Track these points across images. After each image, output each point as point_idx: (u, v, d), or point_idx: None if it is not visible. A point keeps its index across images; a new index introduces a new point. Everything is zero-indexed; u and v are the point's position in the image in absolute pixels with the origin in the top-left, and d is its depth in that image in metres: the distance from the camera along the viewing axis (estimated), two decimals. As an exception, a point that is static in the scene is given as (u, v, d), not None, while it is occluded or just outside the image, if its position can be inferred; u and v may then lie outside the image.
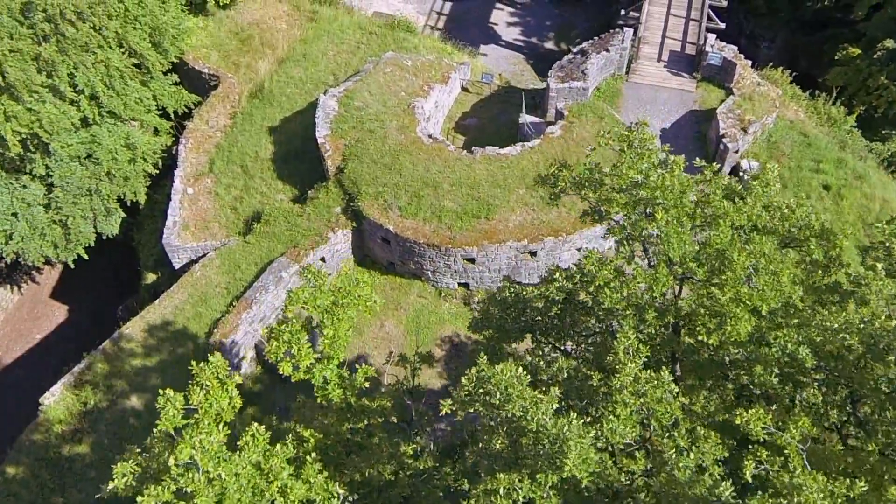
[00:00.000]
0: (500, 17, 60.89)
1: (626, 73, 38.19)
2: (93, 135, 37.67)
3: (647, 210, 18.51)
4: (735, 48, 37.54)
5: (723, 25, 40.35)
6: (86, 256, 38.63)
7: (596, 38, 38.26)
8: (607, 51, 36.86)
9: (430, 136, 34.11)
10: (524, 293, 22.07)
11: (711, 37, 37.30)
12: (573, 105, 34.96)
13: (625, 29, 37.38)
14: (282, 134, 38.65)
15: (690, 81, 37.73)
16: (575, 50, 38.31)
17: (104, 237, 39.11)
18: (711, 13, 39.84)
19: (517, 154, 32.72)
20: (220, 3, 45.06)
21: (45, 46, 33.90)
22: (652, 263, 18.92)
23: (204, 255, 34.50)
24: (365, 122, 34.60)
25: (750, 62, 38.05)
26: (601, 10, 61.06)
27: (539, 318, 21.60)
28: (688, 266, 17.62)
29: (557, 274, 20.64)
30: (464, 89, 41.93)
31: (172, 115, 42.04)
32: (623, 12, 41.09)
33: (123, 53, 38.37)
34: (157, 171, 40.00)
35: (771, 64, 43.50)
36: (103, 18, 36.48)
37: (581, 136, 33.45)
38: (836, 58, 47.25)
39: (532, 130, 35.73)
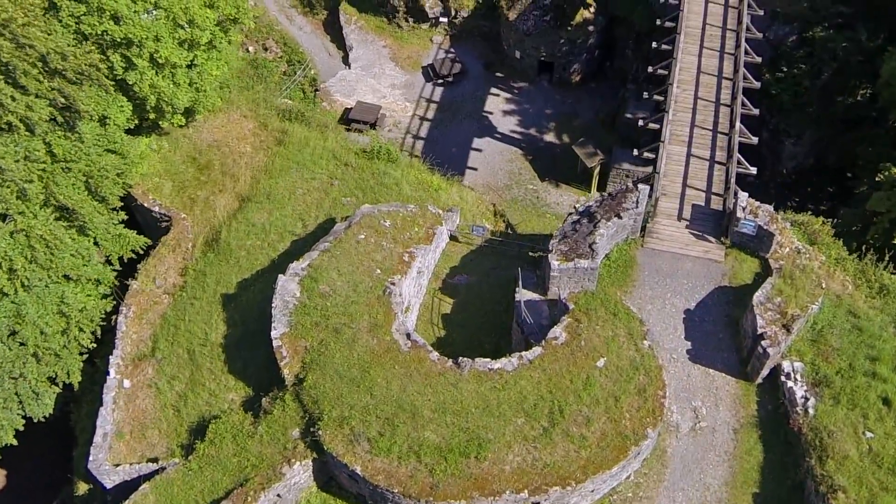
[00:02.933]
0: (496, 105, 54.55)
1: (642, 234, 31.87)
2: (17, 307, 31.50)
3: None
4: (771, 209, 31.20)
5: (753, 140, 34.14)
6: (14, 442, 32.58)
7: (605, 196, 31.87)
8: (619, 217, 30.52)
9: (408, 338, 27.82)
10: None
11: (743, 196, 30.97)
12: (580, 296, 28.62)
13: (639, 188, 31.02)
14: (237, 308, 32.38)
15: (718, 248, 31.41)
16: (580, 208, 31.95)
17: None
18: (743, 130, 33.66)
19: (513, 370, 26.41)
20: (176, 122, 38.70)
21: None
22: None
23: (138, 477, 28.36)
24: (331, 317, 28.28)
25: (773, 210, 31.77)
26: (607, 96, 54.71)
27: None
28: None
29: None
30: (452, 238, 35.64)
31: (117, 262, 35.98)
32: (636, 152, 34.71)
33: (51, 212, 32.25)
34: (95, 345, 33.77)
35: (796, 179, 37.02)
36: (23, 181, 30.32)
37: (590, 341, 27.13)
38: (878, 178, 40.86)
39: (530, 323, 29.41)
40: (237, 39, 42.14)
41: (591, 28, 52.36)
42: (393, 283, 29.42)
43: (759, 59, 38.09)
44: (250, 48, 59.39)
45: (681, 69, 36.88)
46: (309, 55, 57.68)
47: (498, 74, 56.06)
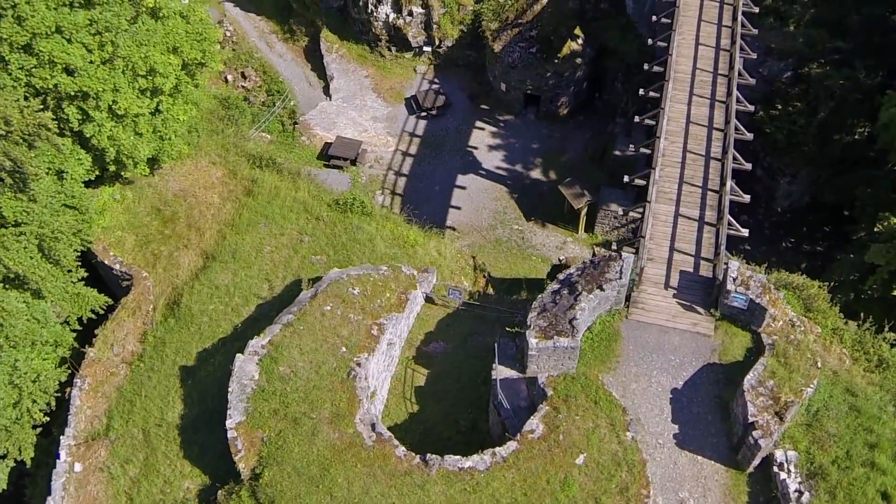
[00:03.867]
0: (481, 139, 52.41)
1: (627, 304, 29.76)
2: (-38, 380, 29.43)
3: None
4: (763, 279, 29.08)
5: (746, 199, 32.12)
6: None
7: (587, 264, 29.73)
8: (601, 289, 28.39)
9: (372, 429, 25.73)
10: None
11: (734, 266, 28.89)
12: (559, 381, 26.55)
13: (623, 256, 28.92)
14: (195, 384, 30.24)
15: (707, 321, 29.29)
16: (561, 277, 29.81)
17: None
18: (735, 188, 31.58)
19: (486, 469, 24.30)
20: (140, 172, 36.51)
21: None
22: None
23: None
24: (290, 405, 26.18)
25: (769, 282, 29.70)
26: (595, 129, 52.60)
27: None
28: None
29: None
30: (428, 300, 33.53)
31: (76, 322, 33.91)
32: (622, 211, 32.63)
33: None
34: (48, 419, 31.67)
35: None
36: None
37: (569, 435, 25.04)
38: (876, 230, 38.82)
39: (506, 408, 27.29)
40: (205, 82, 39.94)
41: (578, 60, 50.22)
42: (359, 364, 27.31)
43: (751, 108, 35.99)
44: (229, 77, 57.30)
45: (669, 119, 34.76)
46: (289, 85, 55.57)
47: (483, 107, 53.91)
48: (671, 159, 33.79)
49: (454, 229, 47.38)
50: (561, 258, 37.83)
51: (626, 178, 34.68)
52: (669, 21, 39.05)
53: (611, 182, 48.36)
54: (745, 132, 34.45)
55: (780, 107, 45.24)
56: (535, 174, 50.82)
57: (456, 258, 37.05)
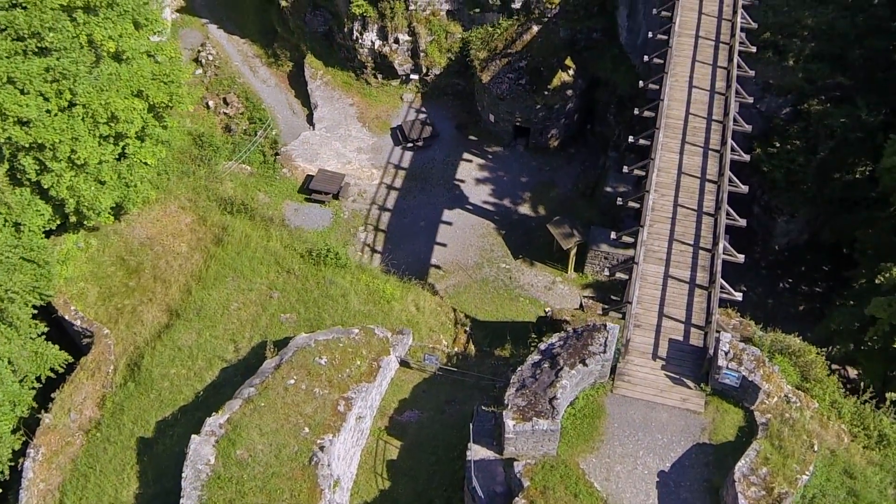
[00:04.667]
0: (468, 172, 50.42)
1: (612, 377, 27.77)
2: None
3: None
4: (757, 352, 27.07)
5: (740, 259, 30.17)
6: None
7: (569, 334, 27.73)
8: (584, 364, 26.41)
9: (335, 523, 23.85)
10: None
11: (725, 339, 26.89)
12: (537, 469, 24.58)
13: (608, 328, 26.93)
14: (152, 459, 28.32)
15: (697, 396, 27.26)
16: (543, 347, 27.83)
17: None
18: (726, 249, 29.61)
19: (453, 574, 22.42)
20: (104, 221, 34.60)
21: None
22: None
23: None
24: (247, 494, 24.23)
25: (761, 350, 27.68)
26: (587, 162, 50.60)
27: None
28: None
29: None
30: (403, 363, 31.58)
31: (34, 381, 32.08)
32: (608, 271, 30.69)
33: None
34: (1, 490, 29.82)
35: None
36: None
37: (545, 532, 23.11)
38: (877, 281, 36.77)
39: (481, 497, 25.30)
40: (175, 124, 37.86)
41: (569, 92, 48.17)
42: (322, 448, 25.36)
43: (747, 158, 34.00)
44: (210, 103, 55.38)
45: (659, 171, 32.74)
46: (271, 112, 53.60)
47: (471, 137, 51.88)
48: (661, 214, 31.76)
49: (439, 268, 45.42)
50: (547, 310, 35.81)
51: (612, 235, 32.66)
52: (662, 62, 37.05)
53: (602, 220, 46.50)
54: (740, 185, 32.46)
55: (778, 144, 43.18)
56: (524, 209, 48.82)
57: (435, 312, 35.07)
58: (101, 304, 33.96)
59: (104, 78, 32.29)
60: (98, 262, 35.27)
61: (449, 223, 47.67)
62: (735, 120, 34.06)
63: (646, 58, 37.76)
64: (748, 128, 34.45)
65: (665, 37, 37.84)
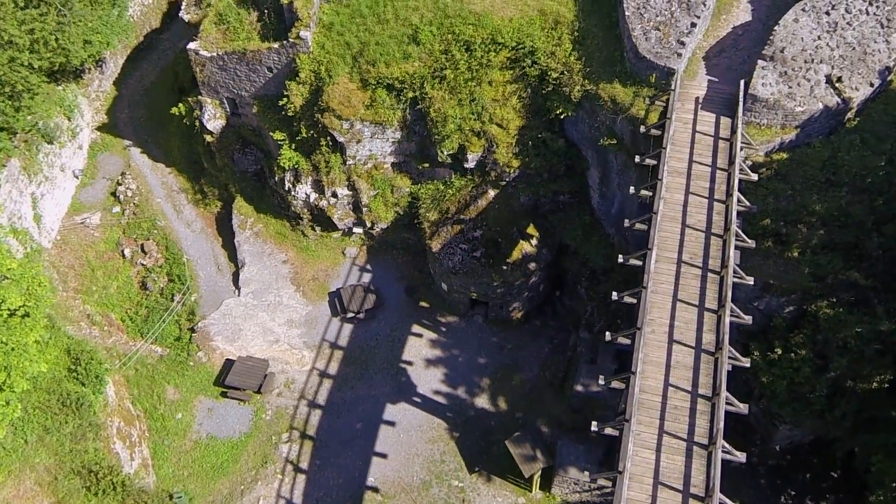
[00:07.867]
0: (418, 351, 42.31)
1: None
2: None
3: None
4: None
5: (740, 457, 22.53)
6: None
7: None
8: None
9: None
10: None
11: None
12: None
13: None
14: None
15: None
16: None
17: None
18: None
19: None
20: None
21: None
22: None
23: None
24: None
25: None
26: (556, 339, 42.64)
27: None
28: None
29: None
30: None
31: None
32: (595, 428, 23.03)
33: None
34: None
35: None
36: None
37: None
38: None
39: None
40: (36, 336, 29.63)
41: (532, 266, 40.13)
42: None
43: (746, 363, 26.92)
44: (126, 251, 47.28)
45: (641, 390, 24.94)
46: (192, 270, 45.49)
47: (423, 304, 43.80)
48: (642, 454, 23.93)
49: (377, 491, 37.40)
50: None
51: (601, 380, 25.39)
52: (646, 227, 29.42)
53: (573, 419, 38.50)
54: (738, 404, 24.98)
55: (779, 351, 35.27)
56: (482, 401, 40.74)
57: None
58: None
59: None
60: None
61: (391, 423, 39.60)
62: (732, 311, 26.60)
63: (627, 222, 30.60)
64: (748, 319, 27.39)
65: (644, 226, 30.33)
